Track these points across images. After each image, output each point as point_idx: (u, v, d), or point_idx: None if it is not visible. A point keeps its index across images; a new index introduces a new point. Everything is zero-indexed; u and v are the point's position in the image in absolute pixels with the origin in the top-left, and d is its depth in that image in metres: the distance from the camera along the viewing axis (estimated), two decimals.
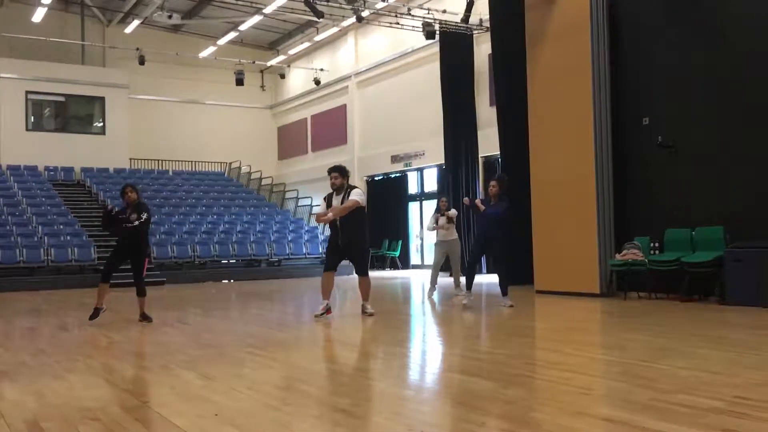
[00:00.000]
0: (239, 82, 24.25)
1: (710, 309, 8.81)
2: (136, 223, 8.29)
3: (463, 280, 10.34)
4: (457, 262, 11.77)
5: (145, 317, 8.58)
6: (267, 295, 13.18)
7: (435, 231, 11.60)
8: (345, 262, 9.13)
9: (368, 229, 8.77)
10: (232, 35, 24.86)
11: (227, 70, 24.77)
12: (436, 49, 18.70)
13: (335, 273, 8.69)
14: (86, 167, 23.70)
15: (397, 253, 21.75)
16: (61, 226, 18.31)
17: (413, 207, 22.35)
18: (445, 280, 12.52)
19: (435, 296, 11.44)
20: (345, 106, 24.94)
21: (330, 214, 8.36)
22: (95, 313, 8.34)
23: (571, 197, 11.10)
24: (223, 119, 27.85)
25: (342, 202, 8.34)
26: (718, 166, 9.83)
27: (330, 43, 25.54)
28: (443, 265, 11.92)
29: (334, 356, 6.49)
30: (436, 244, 11.80)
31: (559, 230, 11.28)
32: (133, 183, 9.15)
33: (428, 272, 12.00)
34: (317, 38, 25.03)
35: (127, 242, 8.44)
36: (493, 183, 9.45)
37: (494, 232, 9.33)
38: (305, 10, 17.69)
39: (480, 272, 16.64)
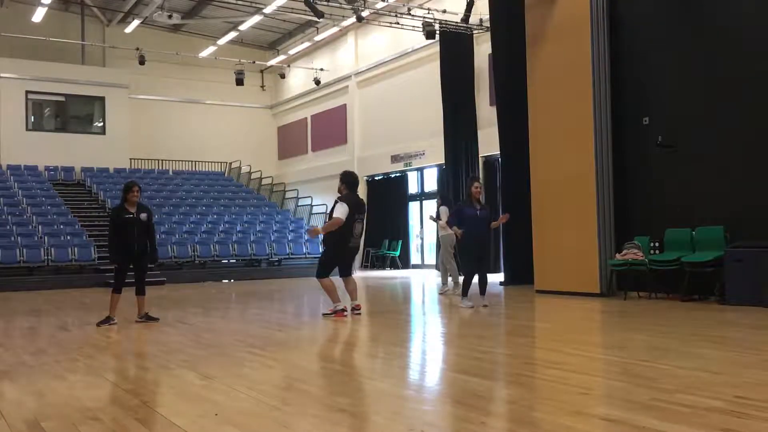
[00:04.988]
0: (239, 82, 24.24)
1: (710, 309, 8.81)
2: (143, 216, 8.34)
3: (457, 279, 10.27)
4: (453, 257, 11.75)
5: (149, 318, 8.57)
6: (267, 295, 13.18)
7: (436, 224, 11.50)
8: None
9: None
10: (232, 35, 24.87)
11: (227, 70, 24.76)
12: (436, 49, 18.69)
13: None
14: (86, 167, 23.73)
15: (398, 253, 21.75)
16: (61, 226, 18.32)
17: (413, 207, 22.35)
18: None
19: (435, 294, 11.39)
20: (345, 106, 24.94)
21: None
22: (106, 320, 8.29)
23: (571, 197, 11.10)
24: (223, 119, 27.87)
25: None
26: (718, 166, 9.82)
27: (330, 43, 25.54)
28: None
29: (335, 356, 6.49)
30: (441, 238, 11.66)
31: (559, 230, 11.28)
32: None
33: (428, 272, 11.96)
34: (317, 38, 25.04)
35: (134, 245, 8.32)
36: (478, 185, 9.59)
37: (487, 234, 9.64)
38: (305, 10, 17.70)
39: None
